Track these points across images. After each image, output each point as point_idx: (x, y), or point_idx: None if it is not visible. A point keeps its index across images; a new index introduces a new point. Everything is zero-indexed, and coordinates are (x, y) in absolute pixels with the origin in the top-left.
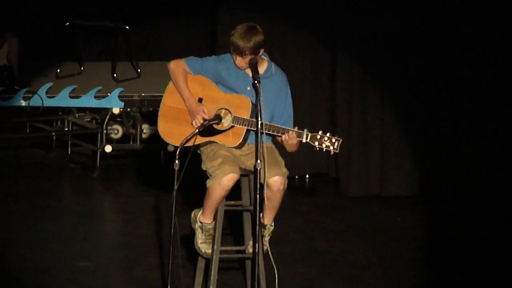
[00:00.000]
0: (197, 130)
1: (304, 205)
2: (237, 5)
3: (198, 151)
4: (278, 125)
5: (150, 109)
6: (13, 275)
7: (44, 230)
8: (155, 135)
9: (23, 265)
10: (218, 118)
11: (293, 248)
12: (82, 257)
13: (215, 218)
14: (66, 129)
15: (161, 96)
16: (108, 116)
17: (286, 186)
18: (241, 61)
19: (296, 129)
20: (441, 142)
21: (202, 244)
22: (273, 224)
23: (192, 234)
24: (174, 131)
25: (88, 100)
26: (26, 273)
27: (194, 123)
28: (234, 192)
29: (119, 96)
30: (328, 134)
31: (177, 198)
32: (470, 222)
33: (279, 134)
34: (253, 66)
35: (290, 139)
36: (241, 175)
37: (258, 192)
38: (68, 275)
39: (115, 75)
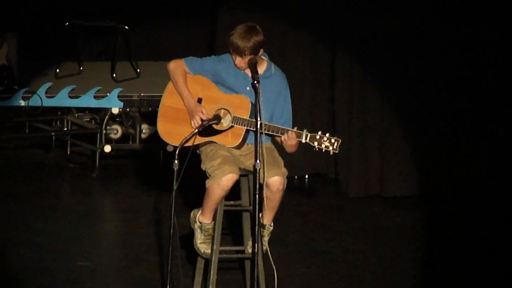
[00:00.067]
0: (196, 130)
1: (304, 205)
2: (237, 5)
3: (198, 151)
4: (278, 125)
5: (150, 109)
6: (13, 275)
7: (44, 230)
8: (154, 135)
9: (23, 265)
10: (217, 118)
11: (292, 248)
12: (81, 257)
13: (214, 218)
14: (66, 129)
15: (161, 96)
16: (107, 116)
17: (285, 186)
18: (241, 61)
19: (295, 129)
20: (441, 142)
21: (202, 244)
22: (272, 224)
23: (191, 234)
24: (173, 131)
25: (87, 100)
26: (26, 273)
27: (192, 123)
28: (234, 192)
29: (118, 96)
30: (327, 135)
31: (176, 198)
32: (470, 222)
33: (279, 134)
34: (253, 66)
35: (290, 139)
36: (240, 175)
37: (257, 192)
38: (67, 275)
39: (114, 75)
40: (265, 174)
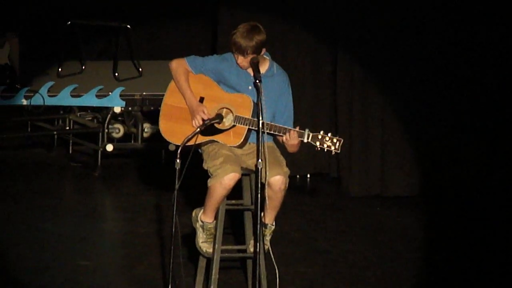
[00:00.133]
0: (198, 129)
1: (305, 204)
2: (238, 5)
3: (200, 150)
4: (280, 125)
5: (152, 108)
6: (13, 275)
7: (45, 230)
8: (156, 134)
9: (23, 265)
10: (219, 117)
11: (294, 248)
12: (82, 256)
13: (216, 217)
14: (68, 128)
15: (163, 95)
16: (109, 115)
17: (287, 185)
18: (243, 60)
19: (297, 129)
20: (442, 142)
21: (203, 243)
22: (274, 223)
23: (193, 233)
24: (175, 130)
25: (89, 99)
26: (26, 273)
27: (193, 123)
28: (235, 192)
29: (120, 95)
30: (329, 134)
31: (178, 197)
32: (470, 222)
33: (281, 134)
34: (255, 65)
35: (291, 139)
36: (242, 175)
37: (259, 191)
38: (68, 275)
39: (116, 74)
40: (267, 173)
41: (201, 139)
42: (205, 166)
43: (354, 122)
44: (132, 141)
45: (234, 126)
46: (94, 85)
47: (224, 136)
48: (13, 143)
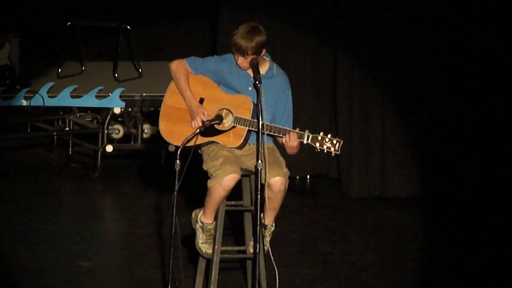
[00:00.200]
0: (198, 130)
1: (305, 205)
2: (238, 5)
3: (199, 151)
4: (280, 126)
5: (151, 109)
6: (13, 275)
7: (45, 230)
8: (156, 135)
9: (23, 265)
10: (219, 118)
11: (294, 249)
12: (82, 257)
13: (216, 218)
14: (67, 128)
15: (163, 96)
16: (109, 116)
17: (287, 186)
18: (243, 61)
19: (297, 130)
20: (442, 143)
21: (203, 244)
22: (274, 224)
23: (193, 234)
24: (175, 131)
25: (89, 100)
26: (26, 273)
27: (193, 124)
28: (235, 193)
29: (120, 96)
30: (329, 136)
31: (178, 198)
32: (470, 223)
33: (280, 135)
34: (255, 66)
35: (291, 140)
36: (242, 176)
37: (259, 192)
38: (68, 275)
39: (116, 75)
40: (267, 174)
41: (201, 140)
42: (204, 167)
43: (354, 122)
44: (132, 142)
45: (234, 127)
46: (94, 86)
47: (224, 137)
48: (13, 144)
